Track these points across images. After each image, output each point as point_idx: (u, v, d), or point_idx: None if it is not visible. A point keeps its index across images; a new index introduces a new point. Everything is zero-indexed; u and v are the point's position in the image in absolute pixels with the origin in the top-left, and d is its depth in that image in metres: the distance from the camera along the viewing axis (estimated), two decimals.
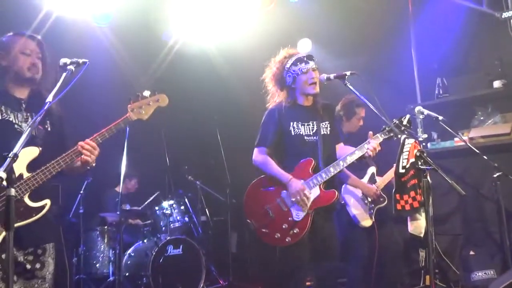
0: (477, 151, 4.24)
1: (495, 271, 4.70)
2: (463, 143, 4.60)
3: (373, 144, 3.33)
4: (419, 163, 2.71)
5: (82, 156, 2.57)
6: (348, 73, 3.28)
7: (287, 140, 3.40)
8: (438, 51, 5.64)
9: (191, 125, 6.79)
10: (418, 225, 4.12)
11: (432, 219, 2.88)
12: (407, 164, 2.78)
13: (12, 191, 1.88)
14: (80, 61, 2.46)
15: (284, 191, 3.31)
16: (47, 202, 2.53)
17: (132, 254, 5.39)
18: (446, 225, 5.23)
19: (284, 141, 3.42)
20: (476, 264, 4.82)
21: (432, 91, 5.59)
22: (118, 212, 5.19)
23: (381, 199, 4.26)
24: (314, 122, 3.45)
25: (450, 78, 5.53)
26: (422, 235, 4.23)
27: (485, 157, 4.23)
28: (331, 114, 3.63)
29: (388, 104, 3.23)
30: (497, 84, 5.16)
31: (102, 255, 5.49)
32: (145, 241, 5.51)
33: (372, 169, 4.42)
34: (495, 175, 4.25)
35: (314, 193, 3.29)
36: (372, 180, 4.37)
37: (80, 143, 2.58)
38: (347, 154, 3.36)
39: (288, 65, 3.44)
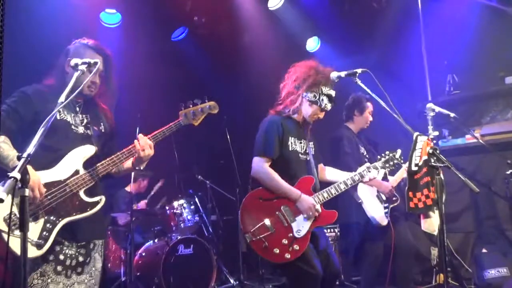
0: (489, 148, 4.21)
1: (508, 269, 4.66)
2: (474, 140, 4.57)
3: (373, 173, 3.50)
4: (432, 161, 2.68)
5: (137, 150, 2.61)
6: (359, 70, 3.24)
7: (284, 154, 3.28)
8: (449, 47, 5.60)
9: (200, 124, 6.79)
10: (431, 223, 4.08)
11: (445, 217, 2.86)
12: (419, 161, 2.75)
13: (27, 192, 1.85)
14: (92, 61, 2.45)
15: (284, 205, 3.17)
16: (101, 197, 2.58)
17: (143, 254, 5.40)
18: (458, 223, 5.21)
19: (281, 155, 3.28)
20: (489, 262, 4.79)
21: (443, 88, 5.56)
22: (129, 212, 5.20)
23: (394, 198, 4.24)
24: (304, 141, 3.42)
25: (461, 75, 5.50)
26: (435, 233, 4.19)
27: (497, 153, 4.20)
28: (314, 136, 3.58)
29: (399, 101, 3.21)
30: (509, 80, 5.12)
31: (113, 255, 5.52)
32: (156, 240, 5.51)
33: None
34: (507, 172, 4.21)
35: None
36: (385, 179, 4.35)
37: (139, 136, 2.65)
38: (349, 177, 3.38)
39: (322, 89, 3.29)
